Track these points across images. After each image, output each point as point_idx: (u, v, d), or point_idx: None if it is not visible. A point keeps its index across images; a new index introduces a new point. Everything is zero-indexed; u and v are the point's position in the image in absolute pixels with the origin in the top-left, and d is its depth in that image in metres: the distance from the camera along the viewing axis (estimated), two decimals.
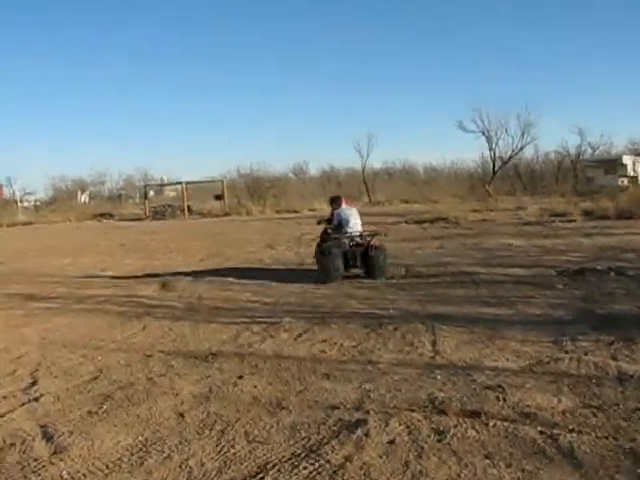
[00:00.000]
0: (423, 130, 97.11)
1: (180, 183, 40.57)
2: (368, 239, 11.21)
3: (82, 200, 63.93)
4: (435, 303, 8.55)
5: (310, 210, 32.42)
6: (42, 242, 23.93)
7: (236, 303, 9.33)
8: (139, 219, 37.49)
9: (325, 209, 32.62)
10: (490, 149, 44.45)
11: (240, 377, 5.55)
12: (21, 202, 50.49)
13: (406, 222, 23.11)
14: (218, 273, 12.38)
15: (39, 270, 14.79)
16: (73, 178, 65.19)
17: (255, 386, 5.30)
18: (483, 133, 44.16)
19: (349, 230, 11.25)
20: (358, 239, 11.17)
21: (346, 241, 11.11)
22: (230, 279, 11.46)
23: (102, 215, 40.11)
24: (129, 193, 65.54)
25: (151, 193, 44.71)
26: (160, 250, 17.82)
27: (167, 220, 34.89)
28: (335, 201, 11.93)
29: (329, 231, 11.50)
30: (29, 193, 61.16)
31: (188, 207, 37.65)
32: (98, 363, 6.31)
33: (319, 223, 12.28)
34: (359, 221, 11.57)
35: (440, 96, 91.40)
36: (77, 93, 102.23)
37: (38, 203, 59.63)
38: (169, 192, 64.81)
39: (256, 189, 39.43)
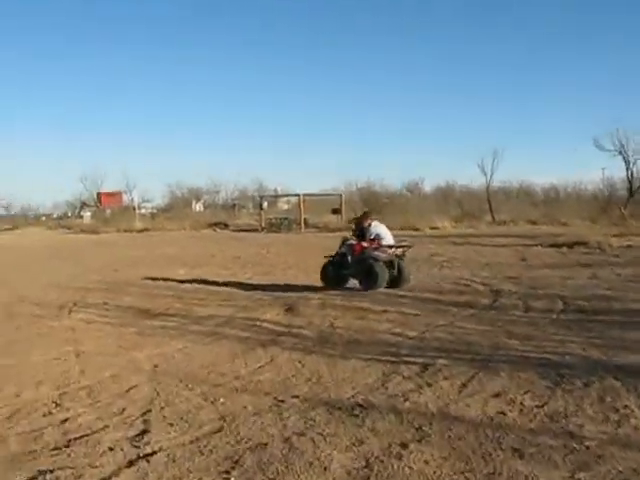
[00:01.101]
0: (540, 150, 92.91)
1: (298, 195, 39.87)
2: (403, 250, 12.27)
3: (197, 209, 65.00)
4: (617, 349, 6.93)
5: (432, 228, 30.66)
6: (157, 250, 23.64)
7: (375, 335, 8.01)
8: (254, 230, 37.07)
9: (447, 227, 31.05)
10: (627, 169, 41.17)
11: (404, 446, 4.24)
12: (139, 209, 51.50)
13: (541, 245, 21.08)
14: (348, 296, 11.11)
15: (154, 281, 14.16)
16: (189, 186, 66.47)
17: (427, 462, 3.99)
18: (620, 152, 40.94)
19: (388, 242, 12.11)
20: (397, 251, 12.14)
21: (390, 251, 11.97)
22: (364, 304, 10.14)
23: (217, 224, 40.06)
24: (242, 203, 65.98)
25: (264, 204, 44.24)
26: (279, 265, 16.81)
27: (282, 233, 34.22)
28: (365, 217, 12.71)
29: (365, 244, 12.01)
30: (147, 200, 62.68)
31: (304, 220, 36.78)
32: (220, 407, 5.19)
33: (352, 235, 12.68)
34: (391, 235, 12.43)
35: (560, 116, 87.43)
36: (196, 104, 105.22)
37: (154, 210, 60.97)
38: (282, 204, 64.86)
39: (374, 204, 38.03)
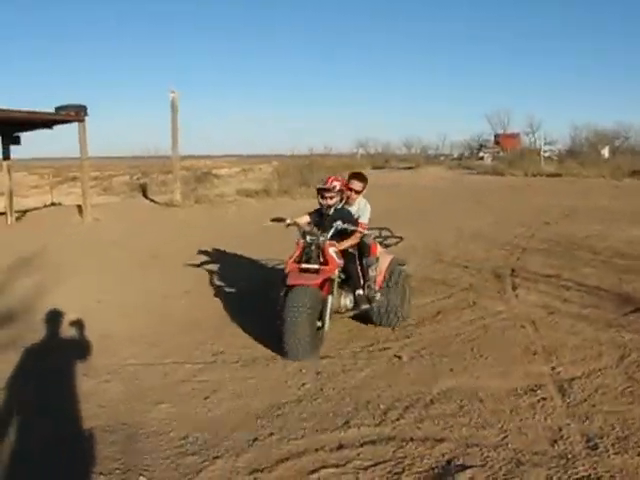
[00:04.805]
0: None
1: None
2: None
3: (605, 155, 57.71)
4: None
5: None
6: (590, 199, 19.00)
7: None
8: None
9: None
10: None
11: None
12: (543, 152, 46.95)
13: None
14: None
15: (603, 243, 10.41)
16: (595, 129, 59.11)
17: None
18: None
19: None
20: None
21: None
22: None
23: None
24: None
25: None
26: None
27: None
28: (362, 181, 6.29)
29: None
30: (549, 143, 57.40)
31: None
32: None
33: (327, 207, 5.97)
34: None
35: None
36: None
37: (556, 153, 55.67)
38: None
39: None
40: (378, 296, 5.84)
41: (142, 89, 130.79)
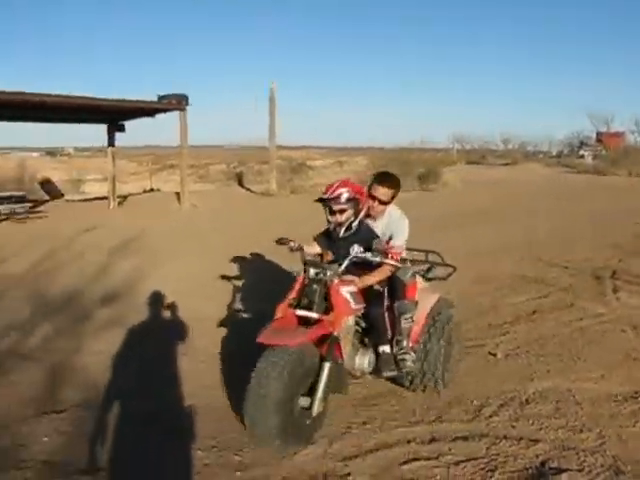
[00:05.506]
0: None
1: None
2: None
3: None
4: None
5: None
6: None
7: None
8: None
9: None
10: None
11: None
12: None
13: None
14: None
15: None
16: None
17: None
18: None
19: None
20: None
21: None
22: None
23: None
24: None
25: None
26: None
27: None
28: (392, 187, 4.38)
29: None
30: None
31: None
32: None
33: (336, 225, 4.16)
34: None
35: None
36: None
37: None
38: None
39: None
40: (410, 360, 4.13)
41: (240, 80, 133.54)
